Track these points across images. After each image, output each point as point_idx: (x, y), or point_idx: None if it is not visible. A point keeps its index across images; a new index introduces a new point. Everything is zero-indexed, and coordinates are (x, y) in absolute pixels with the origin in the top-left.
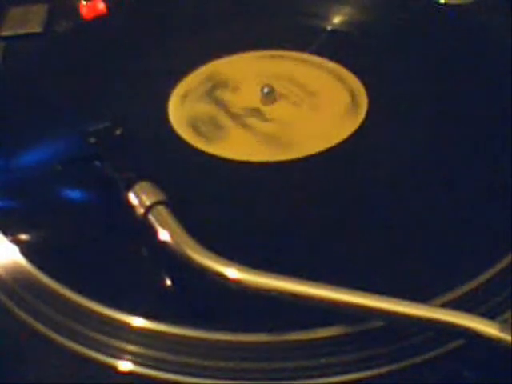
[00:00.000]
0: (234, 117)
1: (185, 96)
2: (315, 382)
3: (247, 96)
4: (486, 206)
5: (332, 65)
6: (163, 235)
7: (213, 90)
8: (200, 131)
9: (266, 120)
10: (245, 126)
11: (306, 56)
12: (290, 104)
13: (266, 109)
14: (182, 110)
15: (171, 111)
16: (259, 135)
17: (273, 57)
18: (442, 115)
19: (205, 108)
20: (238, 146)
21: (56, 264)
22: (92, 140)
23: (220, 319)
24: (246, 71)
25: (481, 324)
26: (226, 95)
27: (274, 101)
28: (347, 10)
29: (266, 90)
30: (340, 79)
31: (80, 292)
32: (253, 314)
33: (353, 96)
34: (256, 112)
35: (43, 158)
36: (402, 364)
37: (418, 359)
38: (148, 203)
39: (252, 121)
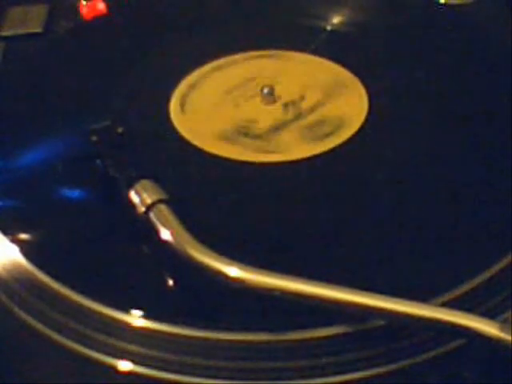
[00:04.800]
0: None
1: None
2: (315, 382)
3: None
4: (485, 205)
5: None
6: (164, 234)
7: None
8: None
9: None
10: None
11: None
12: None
13: (265, 108)
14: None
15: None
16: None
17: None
18: (441, 115)
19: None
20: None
21: (56, 264)
22: (93, 138)
23: (220, 319)
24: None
25: (481, 324)
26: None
27: (273, 101)
28: (347, 10)
29: (265, 90)
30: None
31: (80, 292)
32: (253, 314)
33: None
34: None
35: (43, 157)
36: (402, 364)
37: (418, 359)
38: (149, 201)
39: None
